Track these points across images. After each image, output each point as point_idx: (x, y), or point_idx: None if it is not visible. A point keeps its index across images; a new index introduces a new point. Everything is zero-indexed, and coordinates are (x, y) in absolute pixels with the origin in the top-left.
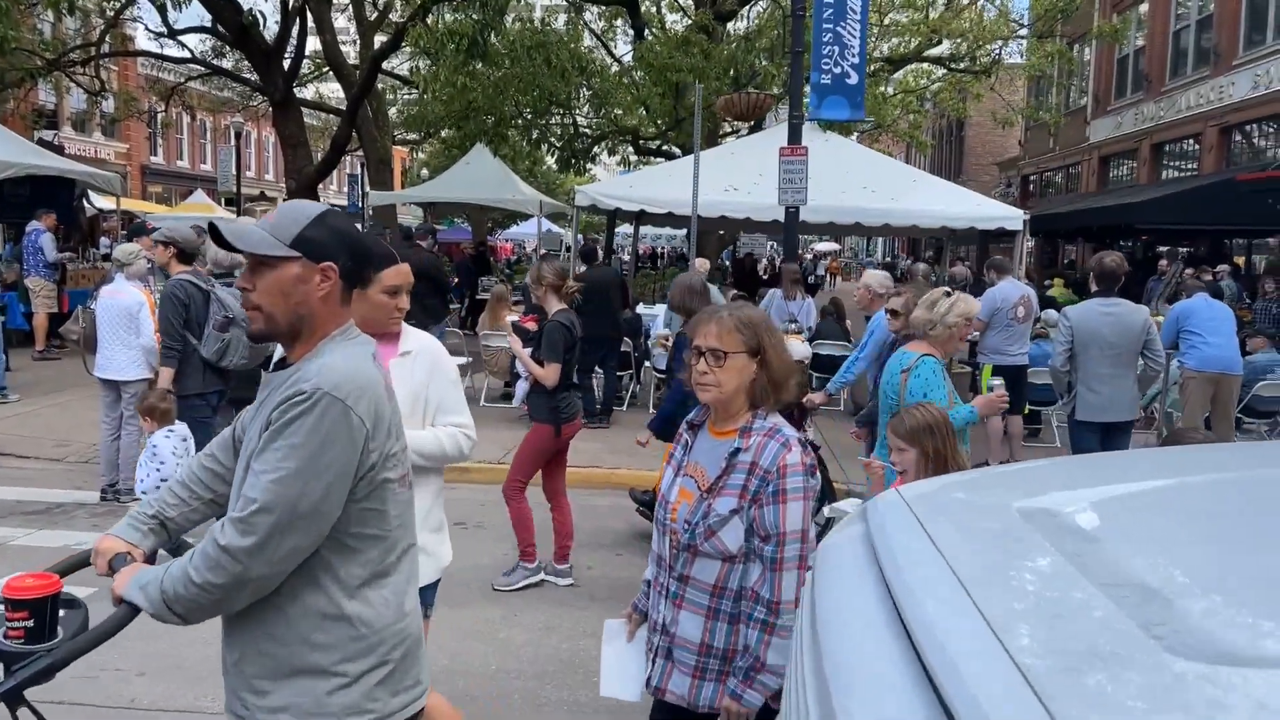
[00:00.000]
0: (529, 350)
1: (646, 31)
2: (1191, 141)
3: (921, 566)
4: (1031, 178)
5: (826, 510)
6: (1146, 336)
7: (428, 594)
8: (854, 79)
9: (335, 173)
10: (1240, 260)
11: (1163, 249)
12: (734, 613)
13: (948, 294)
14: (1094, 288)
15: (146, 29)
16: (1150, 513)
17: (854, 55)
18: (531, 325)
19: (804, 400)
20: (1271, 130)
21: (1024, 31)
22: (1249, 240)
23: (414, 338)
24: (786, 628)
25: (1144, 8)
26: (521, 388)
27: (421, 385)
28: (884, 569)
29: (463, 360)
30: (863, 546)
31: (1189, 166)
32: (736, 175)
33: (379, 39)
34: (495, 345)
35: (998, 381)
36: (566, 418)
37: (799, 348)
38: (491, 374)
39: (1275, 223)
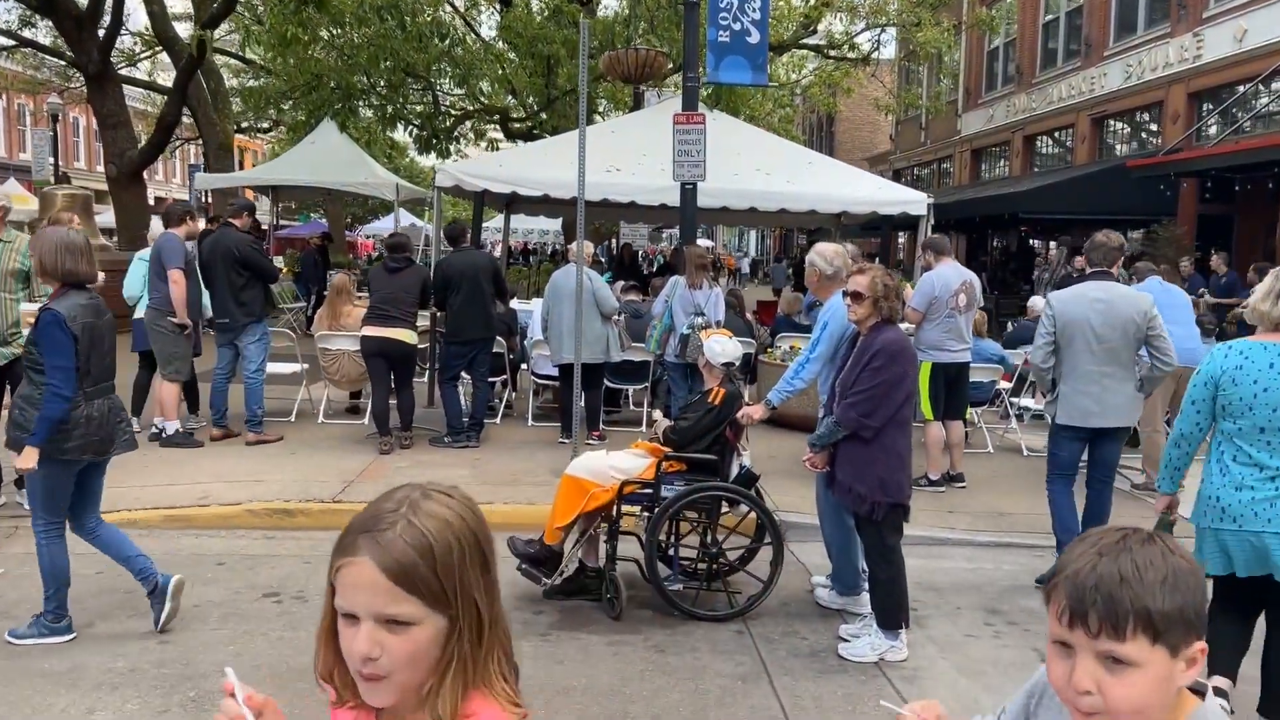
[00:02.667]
0: None
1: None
2: (1064, 133)
3: None
4: (903, 172)
5: None
6: (1150, 329)
7: None
8: (756, 38)
9: (178, 165)
10: None
11: (1036, 242)
12: None
13: None
14: (1087, 269)
15: None
16: None
17: (756, 11)
18: None
19: (739, 415)
20: (1145, 119)
21: (915, 11)
22: (1125, 230)
23: None
24: None
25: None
26: None
27: None
28: None
29: (295, 367)
30: None
31: (1062, 158)
32: (619, 155)
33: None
34: (335, 348)
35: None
36: None
37: (730, 346)
38: (333, 383)
39: (1165, 210)
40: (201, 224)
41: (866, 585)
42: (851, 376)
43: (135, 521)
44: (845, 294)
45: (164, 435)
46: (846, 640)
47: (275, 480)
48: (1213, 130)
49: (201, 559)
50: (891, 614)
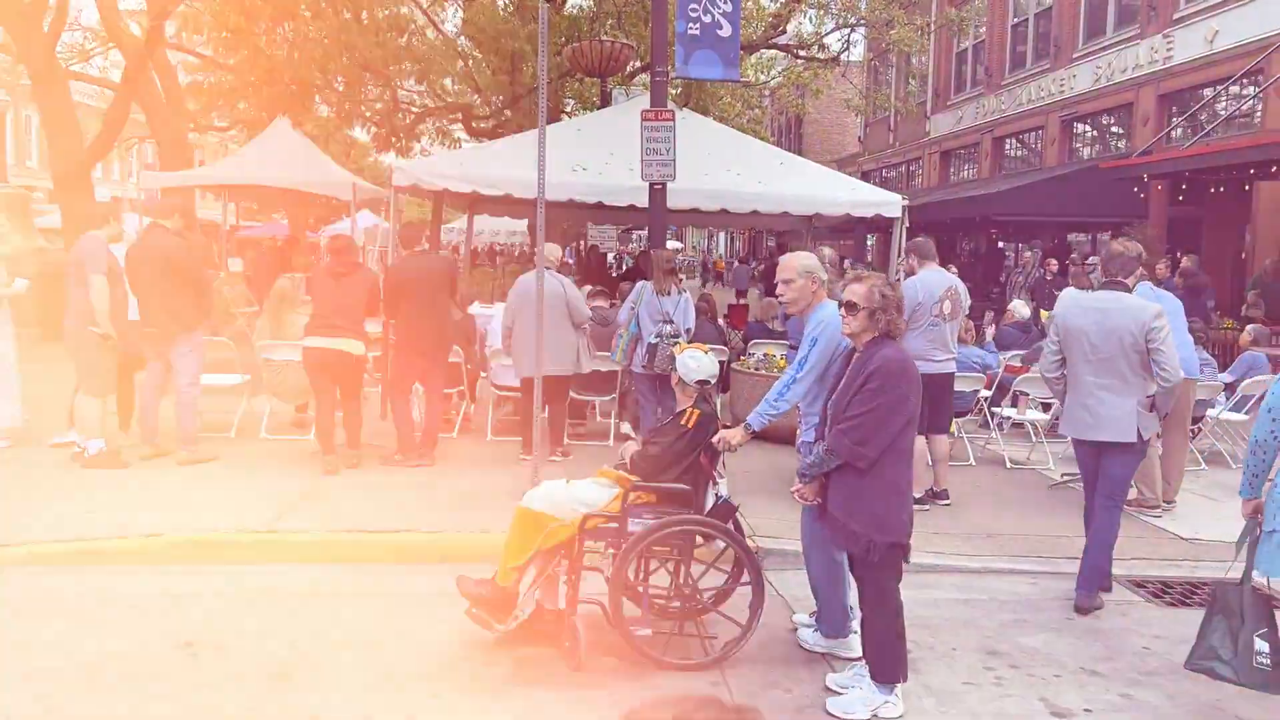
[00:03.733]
0: None
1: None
2: (1034, 135)
3: None
4: (871, 174)
5: None
6: (1149, 341)
7: None
8: (727, 30)
9: (135, 164)
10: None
11: (1002, 243)
12: None
13: None
14: (1103, 278)
15: None
16: None
17: (727, 2)
18: None
19: (714, 440)
20: (1113, 122)
21: (888, 9)
22: (1093, 234)
23: None
24: None
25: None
26: None
27: None
28: None
29: (238, 379)
30: None
31: (1031, 160)
32: (585, 154)
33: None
34: (279, 358)
35: None
36: None
37: (706, 362)
38: (276, 396)
39: (1135, 212)
40: (128, 225)
41: (855, 627)
42: (845, 399)
43: (41, 557)
44: (840, 304)
45: (86, 454)
46: (836, 692)
47: (204, 506)
48: (1179, 133)
49: (113, 601)
50: (888, 667)
